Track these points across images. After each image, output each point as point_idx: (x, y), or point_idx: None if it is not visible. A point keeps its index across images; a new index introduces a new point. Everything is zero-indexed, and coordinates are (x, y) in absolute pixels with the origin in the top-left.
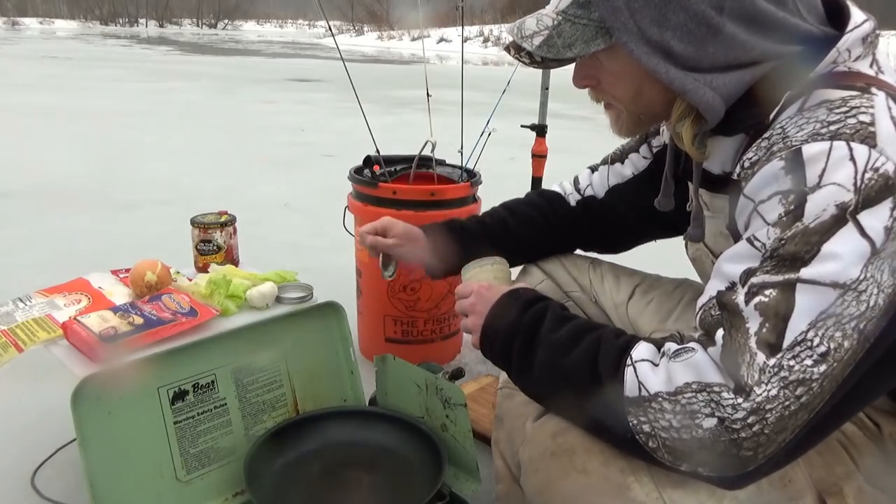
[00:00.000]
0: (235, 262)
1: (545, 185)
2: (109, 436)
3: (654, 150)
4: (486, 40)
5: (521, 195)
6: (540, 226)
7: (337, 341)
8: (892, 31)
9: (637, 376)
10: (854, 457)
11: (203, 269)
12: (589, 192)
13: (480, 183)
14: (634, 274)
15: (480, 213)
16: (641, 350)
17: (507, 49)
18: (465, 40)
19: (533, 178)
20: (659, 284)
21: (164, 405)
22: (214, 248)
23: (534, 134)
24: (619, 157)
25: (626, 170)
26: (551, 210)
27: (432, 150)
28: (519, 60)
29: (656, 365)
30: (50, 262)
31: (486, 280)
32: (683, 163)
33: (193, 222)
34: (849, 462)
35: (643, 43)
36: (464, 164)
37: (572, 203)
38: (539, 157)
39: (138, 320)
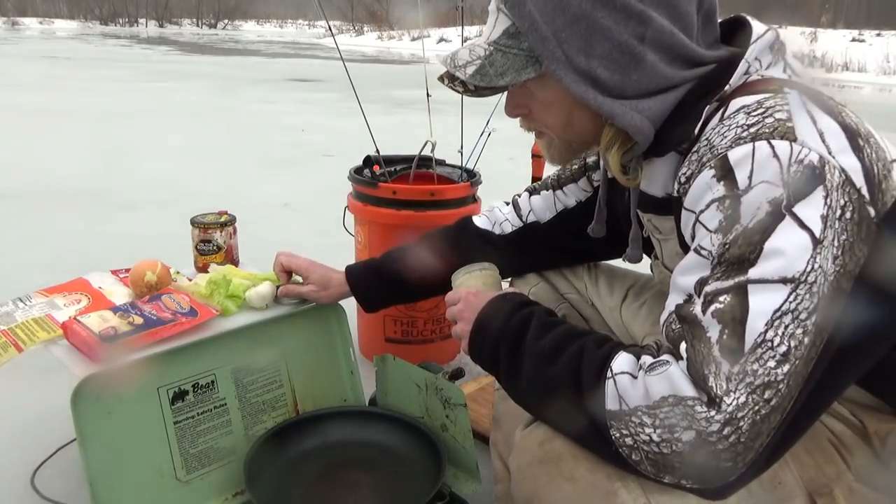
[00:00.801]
0: (235, 262)
1: None
2: (109, 436)
3: (595, 184)
4: None
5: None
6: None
7: (337, 341)
8: (893, 32)
9: (617, 389)
10: (844, 456)
11: (203, 269)
12: (531, 219)
13: (480, 183)
14: (628, 275)
15: (405, 248)
16: (621, 362)
17: (441, 79)
18: (465, 40)
19: (533, 177)
20: (652, 285)
21: (164, 405)
22: (214, 248)
23: (533, 134)
24: (556, 184)
25: (570, 199)
26: (478, 247)
27: (432, 150)
28: (453, 89)
29: (635, 377)
30: (50, 262)
31: (475, 286)
32: (629, 191)
33: (193, 222)
34: (839, 461)
35: (571, 71)
36: (464, 164)
37: (508, 230)
38: (539, 157)
39: (138, 320)
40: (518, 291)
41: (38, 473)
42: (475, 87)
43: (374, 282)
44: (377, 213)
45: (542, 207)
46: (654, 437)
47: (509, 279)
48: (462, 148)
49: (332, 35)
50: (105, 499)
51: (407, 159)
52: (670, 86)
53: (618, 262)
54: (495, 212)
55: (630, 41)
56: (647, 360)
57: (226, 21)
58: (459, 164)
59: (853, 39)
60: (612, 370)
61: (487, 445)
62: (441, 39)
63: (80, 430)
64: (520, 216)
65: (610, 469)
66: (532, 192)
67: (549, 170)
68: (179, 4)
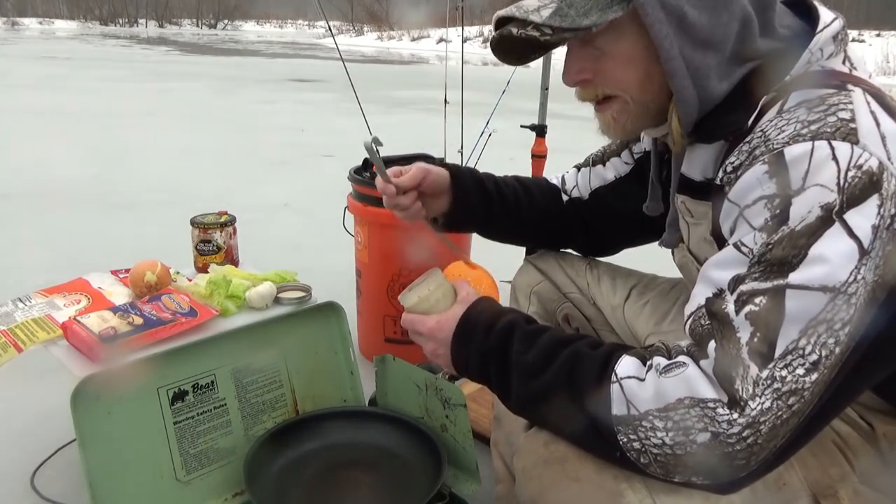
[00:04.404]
0: (235, 263)
1: None
2: (109, 436)
3: (636, 156)
4: (486, 41)
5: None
6: (541, 214)
7: (337, 341)
8: (893, 32)
9: (624, 394)
10: (849, 458)
11: (203, 269)
12: (575, 194)
13: None
14: (631, 275)
15: (498, 176)
16: (626, 366)
17: (501, 34)
18: (465, 40)
19: (533, 178)
20: (655, 285)
21: (164, 405)
22: (214, 248)
23: (533, 134)
24: (599, 158)
25: (609, 173)
26: (551, 202)
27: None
28: (525, 37)
29: (642, 380)
30: (50, 262)
31: (431, 306)
32: (665, 170)
33: (193, 222)
34: (844, 463)
35: (660, 7)
36: (464, 165)
37: (563, 201)
38: (539, 157)
39: (138, 320)
40: (480, 298)
41: (37, 474)
42: (552, 31)
43: (474, 188)
44: (377, 213)
45: (582, 184)
46: (667, 441)
47: (509, 281)
48: (462, 148)
49: (332, 35)
50: (105, 499)
51: (406, 159)
52: (743, 54)
53: (618, 261)
54: (563, 175)
55: None
56: (660, 361)
57: (226, 21)
58: (459, 165)
59: (853, 39)
60: (616, 374)
61: (487, 445)
62: (441, 39)
63: (80, 430)
64: (565, 191)
65: (616, 470)
66: (579, 168)
67: (549, 169)
68: (179, 4)
